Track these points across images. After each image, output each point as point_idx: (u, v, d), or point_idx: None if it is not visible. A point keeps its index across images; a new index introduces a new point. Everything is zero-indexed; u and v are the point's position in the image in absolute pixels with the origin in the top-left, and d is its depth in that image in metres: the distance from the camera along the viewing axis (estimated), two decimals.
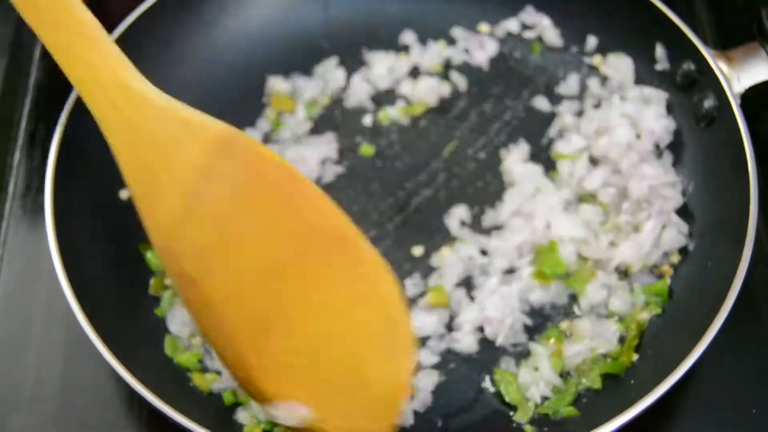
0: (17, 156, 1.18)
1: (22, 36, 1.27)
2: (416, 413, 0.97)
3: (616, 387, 0.98)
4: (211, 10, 1.20)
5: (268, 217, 0.81)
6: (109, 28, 1.09)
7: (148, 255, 1.06)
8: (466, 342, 1.01)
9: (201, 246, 0.81)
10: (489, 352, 1.01)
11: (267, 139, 1.17)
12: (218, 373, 0.99)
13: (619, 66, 1.18)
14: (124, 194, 1.09)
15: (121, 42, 1.08)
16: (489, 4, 1.25)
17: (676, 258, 1.06)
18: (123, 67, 0.86)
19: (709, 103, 1.07)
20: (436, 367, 1.00)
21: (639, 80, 1.17)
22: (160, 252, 0.85)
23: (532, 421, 0.96)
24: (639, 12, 1.13)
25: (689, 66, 1.10)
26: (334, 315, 0.81)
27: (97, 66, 0.85)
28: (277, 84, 1.20)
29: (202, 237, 0.81)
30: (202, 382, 0.99)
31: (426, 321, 1.02)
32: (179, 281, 0.84)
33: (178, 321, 1.02)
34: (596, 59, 1.20)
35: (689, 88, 1.11)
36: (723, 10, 1.28)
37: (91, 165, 1.07)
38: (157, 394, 0.89)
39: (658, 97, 1.13)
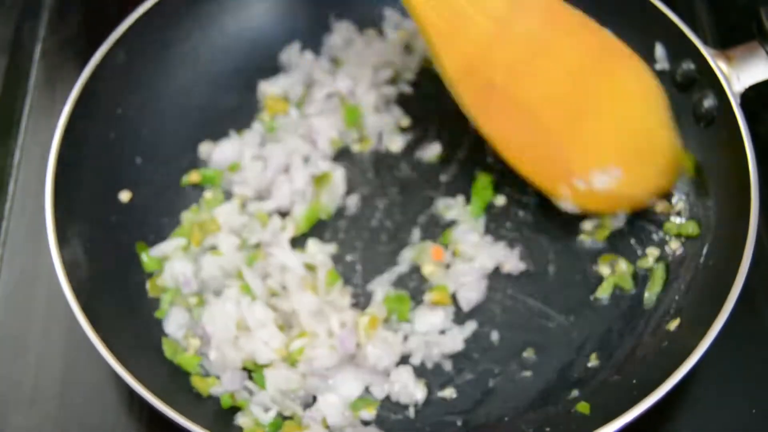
0: (17, 156, 1.18)
1: (22, 36, 1.27)
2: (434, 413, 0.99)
3: (617, 387, 0.98)
4: (210, 11, 1.20)
5: (569, 37, 1.03)
6: (109, 29, 1.10)
7: (143, 257, 1.06)
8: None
9: (513, 60, 1.01)
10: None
11: (265, 140, 1.18)
12: (217, 377, 0.99)
13: None
14: (124, 196, 1.09)
15: (120, 43, 1.09)
16: None
17: (678, 246, 1.07)
18: None
19: (708, 102, 1.07)
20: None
21: None
22: (458, 76, 1.03)
23: (533, 421, 0.97)
24: (638, 11, 1.13)
25: (689, 65, 1.10)
26: (625, 103, 1.04)
27: None
28: (269, 87, 1.20)
29: (514, 53, 1.01)
30: (201, 385, 0.99)
31: (432, 320, 1.04)
32: (479, 94, 1.04)
33: (173, 323, 1.03)
34: None
35: (689, 88, 1.11)
36: (723, 10, 1.28)
37: (91, 165, 1.07)
38: (157, 395, 0.89)
39: None
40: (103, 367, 0.91)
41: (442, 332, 1.04)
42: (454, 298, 1.06)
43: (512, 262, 1.08)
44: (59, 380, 1.02)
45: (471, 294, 1.05)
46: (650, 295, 1.05)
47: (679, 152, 1.06)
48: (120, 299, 1.02)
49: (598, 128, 1.04)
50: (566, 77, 1.03)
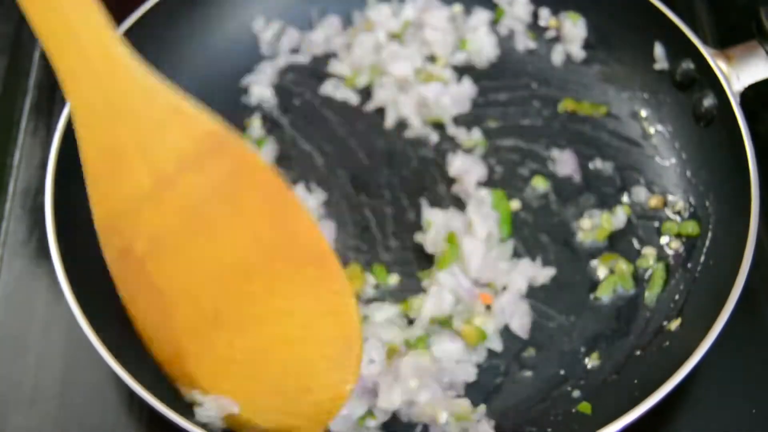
0: (17, 156, 1.18)
1: (22, 36, 1.27)
2: None
3: (618, 387, 0.98)
4: (211, 12, 1.20)
5: (244, 220, 0.81)
6: None
7: None
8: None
9: (162, 230, 0.81)
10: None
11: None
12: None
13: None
14: None
15: None
16: None
17: (678, 245, 1.07)
18: (108, 32, 0.81)
19: (708, 101, 1.07)
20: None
21: (638, 79, 1.17)
22: (103, 225, 0.84)
23: (534, 421, 0.97)
24: (638, 11, 1.13)
25: (688, 65, 1.10)
26: (291, 322, 0.82)
27: (75, 20, 0.80)
28: (261, 91, 1.20)
29: (166, 222, 0.81)
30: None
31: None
32: (117, 256, 0.84)
33: None
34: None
35: (688, 87, 1.11)
36: (722, 10, 1.28)
37: None
38: (156, 396, 0.88)
39: None
40: (103, 367, 0.91)
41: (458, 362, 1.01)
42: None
43: (542, 273, 1.06)
44: (59, 380, 1.01)
45: (524, 320, 1.03)
46: (650, 295, 1.05)
47: (343, 394, 0.84)
48: (120, 300, 1.02)
49: (236, 343, 0.83)
50: (219, 271, 0.81)
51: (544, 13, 1.25)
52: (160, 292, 0.84)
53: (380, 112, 1.20)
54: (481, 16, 1.25)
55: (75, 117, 0.83)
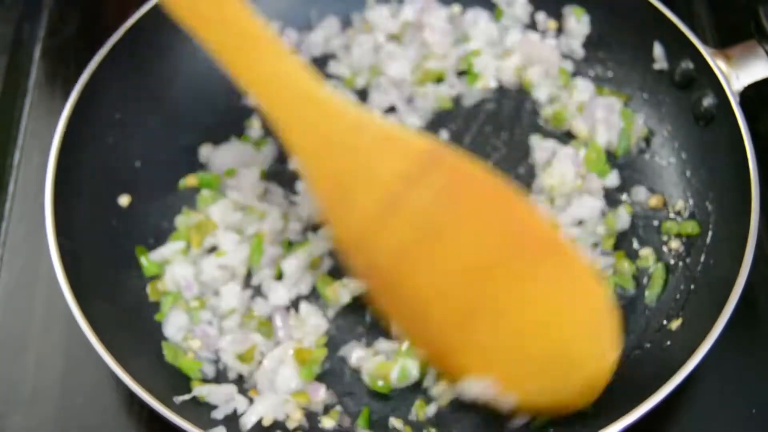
0: (17, 156, 1.18)
1: (22, 36, 1.27)
2: None
3: (619, 387, 0.97)
4: None
5: (471, 224, 0.88)
6: (109, 29, 1.10)
7: (143, 261, 1.06)
8: None
9: (398, 245, 0.89)
10: None
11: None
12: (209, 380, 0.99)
13: None
14: (123, 200, 1.09)
15: (116, 48, 1.09)
16: None
17: (678, 245, 1.07)
18: (310, 77, 0.90)
19: (708, 101, 1.07)
20: None
21: (638, 79, 1.17)
22: (350, 248, 0.93)
23: (536, 421, 0.97)
24: (637, 11, 1.13)
25: (688, 64, 1.10)
26: (543, 308, 0.89)
27: (281, 74, 0.89)
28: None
29: (400, 236, 0.89)
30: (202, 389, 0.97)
31: None
32: (366, 273, 0.94)
33: (172, 326, 1.02)
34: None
35: (688, 87, 1.11)
36: (722, 10, 1.28)
37: (91, 165, 1.07)
38: (156, 396, 0.89)
39: None
40: (103, 368, 0.91)
41: None
42: None
43: None
44: (59, 380, 1.01)
45: None
46: (651, 294, 1.05)
47: (608, 365, 0.90)
48: (120, 300, 1.02)
49: (491, 333, 0.90)
50: (461, 273, 0.89)
51: (542, 16, 1.24)
52: (412, 298, 0.92)
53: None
54: (479, 16, 1.25)
55: (299, 157, 0.93)
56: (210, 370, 1.01)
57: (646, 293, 1.05)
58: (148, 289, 1.05)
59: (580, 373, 0.90)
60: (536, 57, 1.20)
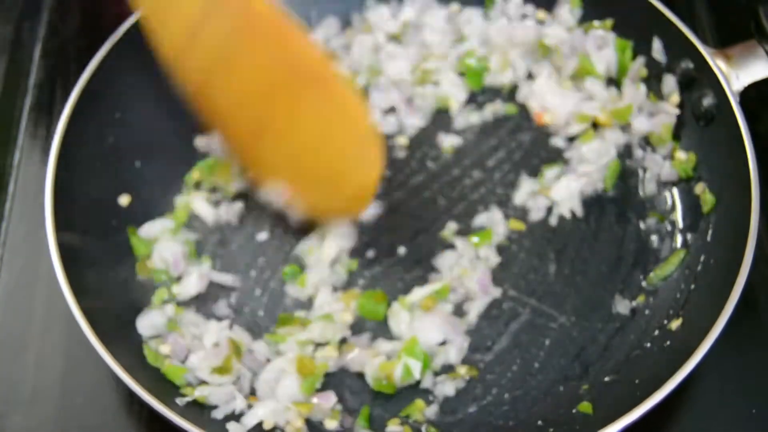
0: (17, 156, 1.18)
1: (22, 36, 1.27)
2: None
3: (619, 387, 0.98)
4: None
5: (257, 50, 0.98)
6: (109, 29, 1.10)
7: (133, 240, 1.07)
8: None
9: (205, 64, 1.00)
10: None
11: None
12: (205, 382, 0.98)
13: None
14: (123, 200, 1.09)
15: (116, 48, 1.09)
16: None
17: (678, 245, 1.07)
18: None
19: (708, 101, 1.08)
20: None
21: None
22: (176, 65, 1.02)
23: (536, 421, 0.97)
24: (637, 11, 1.13)
25: (688, 64, 1.10)
26: (312, 127, 1.01)
27: None
28: None
29: (205, 58, 0.99)
30: (192, 392, 0.96)
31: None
32: (192, 85, 1.03)
33: (144, 323, 1.01)
34: None
35: (688, 87, 1.11)
36: (722, 9, 1.28)
37: (91, 165, 1.07)
38: (156, 396, 0.89)
39: None
40: (103, 367, 0.91)
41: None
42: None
43: None
44: (59, 380, 1.01)
45: None
46: (655, 276, 1.05)
47: (371, 180, 1.05)
48: (120, 301, 1.02)
49: (277, 148, 1.03)
50: (251, 92, 1.01)
51: (541, 15, 1.24)
52: (219, 112, 1.04)
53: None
54: (474, 15, 1.24)
55: None
56: (194, 379, 0.99)
57: (652, 274, 1.06)
58: (137, 267, 1.06)
59: (349, 184, 1.05)
60: (515, 40, 1.20)
